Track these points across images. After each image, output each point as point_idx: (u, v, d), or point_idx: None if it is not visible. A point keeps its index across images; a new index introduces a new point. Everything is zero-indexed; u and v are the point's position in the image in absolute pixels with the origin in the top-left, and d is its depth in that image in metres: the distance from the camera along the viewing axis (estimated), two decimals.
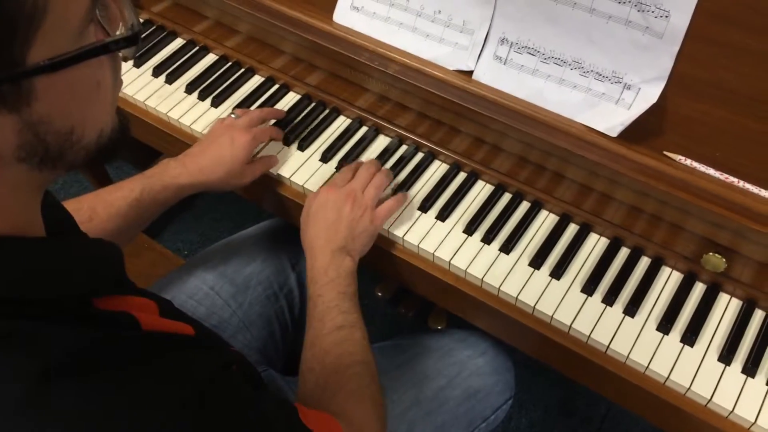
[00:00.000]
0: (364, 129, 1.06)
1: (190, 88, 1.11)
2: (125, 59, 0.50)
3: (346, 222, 0.87)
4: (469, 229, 0.93)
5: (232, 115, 1.00)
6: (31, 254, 0.47)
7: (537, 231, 0.94)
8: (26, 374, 0.42)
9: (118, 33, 0.46)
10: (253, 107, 1.09)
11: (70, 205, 0.70)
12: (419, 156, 1.02)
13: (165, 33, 1.20)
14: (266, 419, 0.55)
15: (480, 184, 0.99)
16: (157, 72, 1.14)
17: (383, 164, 1.01)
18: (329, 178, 1.00)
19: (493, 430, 1.00)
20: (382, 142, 1.04)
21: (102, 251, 0.55)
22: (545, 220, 0.95)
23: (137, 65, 1.15)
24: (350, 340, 0.78)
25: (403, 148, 1.04)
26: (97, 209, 0.83)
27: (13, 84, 0.39)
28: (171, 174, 0.89)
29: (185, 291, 0.99)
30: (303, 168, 1.01)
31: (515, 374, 1.03)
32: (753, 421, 0.76)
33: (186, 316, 0.62)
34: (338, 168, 1.01)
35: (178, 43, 1.19)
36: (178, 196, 0.91)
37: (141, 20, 1.16)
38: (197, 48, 1.18)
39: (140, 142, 1.18)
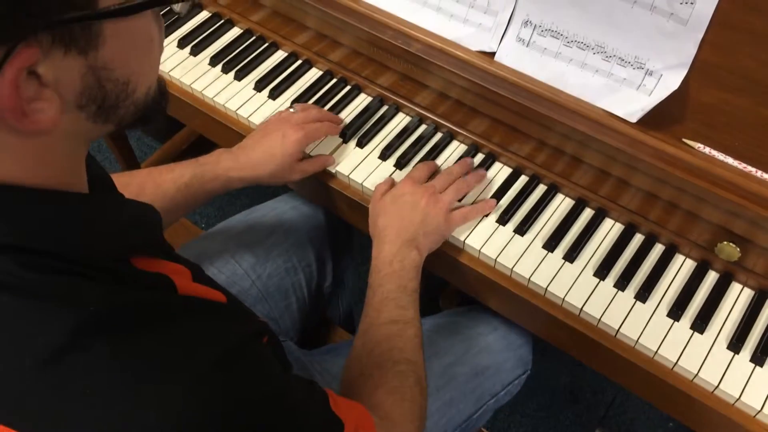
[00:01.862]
0: (384, 107, 1.07)
1: (214, 61, 1.13)
2: (180, 14, 0.54)
3: (420, 215, 0.87)
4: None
5: (291, 109, 0.99)
6: (71, 209, 0.49)
7: (552, 214, 0.94)
8: (59, 328, 0.44)
9: None
10: (275, 82, 1.10)
11: (121, 179, 0.71)
12: (438, 136, 1.03)
13: (191, 5, 1.21)
14: (295, 399, 0.55)
15: (497, 166, 1.00)
16: (182, 44, 1.15)
17: (401, 143, 1.01)
18: (349, 154, 1.01)
19: (505, 404, 1.01)
20: (401, 120, 1.05)
21: (141, 212, 0.57)
22: (561, 204, 0.95)
23: (164, 37, 1.17)
24: (402, 336, 0.78)
25: (423, 127, 1.04)
26: (145, 187, 0.85)
27: (84, 27, 0.42)
28: (223, 165, 0.90)
29: (207, 258, 1.01)
30: (322, 145, 1.02)
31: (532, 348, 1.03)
32: (759, 408, 0.77)
33: (216, 283, 0.63)
34: (359, 145, 1.02)
35: (203, 15, 1.20)
36: (226, 187, 0.91)
37: None
38: (222, 21, 1.19)
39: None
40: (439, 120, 1.03)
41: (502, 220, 0.93)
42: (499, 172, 0.99)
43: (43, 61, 0.41)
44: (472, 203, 0.94)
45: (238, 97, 1.08)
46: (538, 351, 1.54)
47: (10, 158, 0.45)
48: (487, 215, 0.94)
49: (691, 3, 0.77)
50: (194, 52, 1.14)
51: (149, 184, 0.86)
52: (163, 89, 0.55)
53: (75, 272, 0.46)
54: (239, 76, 1.11)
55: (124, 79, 0.47)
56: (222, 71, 1.12)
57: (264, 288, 1.01)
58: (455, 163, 0.97)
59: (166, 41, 1.16)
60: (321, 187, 1.01)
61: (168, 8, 0.52)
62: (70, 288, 0.46)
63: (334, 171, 0.99)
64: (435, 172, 0.96)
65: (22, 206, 0.46)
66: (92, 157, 0.57)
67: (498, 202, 0.95)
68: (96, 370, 0.44)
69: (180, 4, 0.53)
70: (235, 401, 0.47)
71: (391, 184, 0.93)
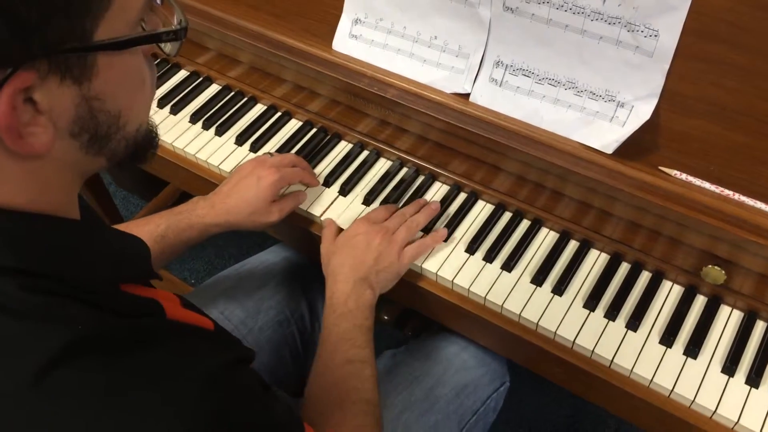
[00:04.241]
0: (365, 153, 1.08)
1: (194, 118, 1.14)
2: (168, 56, 0.57)
3: (374, 254, 0.87)
4: (471, 248, 0.95)
5: (268, 154, 1.00)
6: (67, 234, 0.51)
7: (538, 248, 0.95)
8: (49, 346, 0.45)
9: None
10: (256, 135, 1.11)
11: None
12: (420, 179, 1.04)
13: (169, 66, 1.23)
14: (275, 417, 0.56)
15: (480, 203, 1.01)
16: (162, 103, 1.17)
17: (384, 188, 1.02)
18: (332, 202, 1.01)
19: (486, 419, 1.00)
20: (383, 165, 1.06)
21: (131, 243, 0.59)
22: (546, 238, 0.96)
23: None
24: (360, 376, 0.78)
25: (404, 170, 1.05)
26: None
27: (80, 57, 0.45)
28: (198, 213, 0.91)
29: None
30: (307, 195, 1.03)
31: (507, 362, 1.03)
32: (758, 431, 0.76)
33: (204, 312, 0.64)
34: (341, 193, 1.03)
35: (182, 74, 1.22)
36: (203, 235, 0.91)
37: None
38: (201, 79, 1.21)
39: (148, 175, 1.20)
40: (420, 162, 1.04)
41: (489, 257, 0.94)
42: (483, 210, 1.00)
43: (40, 87, 0.44)
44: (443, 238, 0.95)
45: (220, 153, 1.09)
46: (537, 386, 1.54)
47: (9, 183, 0.48)
48: (473, 253, 0.94)
49: (655, 36, 0.79)
50: (174, 110, 1.15)
51: None
52: (153, 130, 0.58)
53: (68, 294, 0.48)
54: (220, 132, 1.12)
55: (115, 112, 0.50)
56: (203, 128, 1.13)
57: (256, 342, 1.00)
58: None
59: None
60: (306, 235, 1.02)
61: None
62: (61, 308, 0.47)
63: (319, 218, 1.00)
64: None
65: (20, 230, 0.48)
66: (81, 197, 0.59)
67: (454, 232, 0.97)
68: (84, 388, 0.45)
69: (170, 46, 0.55)
70: (220, 423, 0.48)
71: (338, 229, 0.94)
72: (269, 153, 1.02)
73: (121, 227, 0.88)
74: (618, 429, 1.51)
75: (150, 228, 0.88)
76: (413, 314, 1.40)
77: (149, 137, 0.56)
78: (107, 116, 0.49)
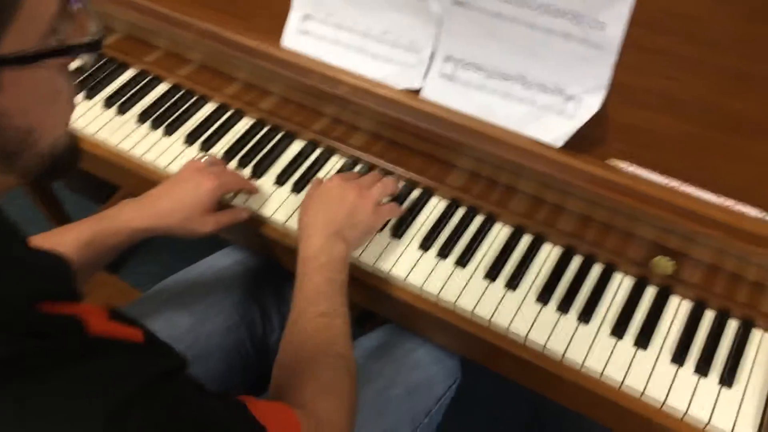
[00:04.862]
0: (318, 151, 1.07)
1: (142, 118, 1.11)
2: (85, 67, 0.53)
3: (348, 208, 0.87)
4: (425, 246, 0.94)
5: (204, 159, 0.98)
6: None
7: (492, 244, 0.95)
8: None
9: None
10: (206, 134, 1.09)
11: None
12: None
13: (116, 65, 1.20)
14: (213, 421, 0.54)
15: (434, 200, 1.00)
16: (108, 103, 1.14)
17: None
18: (283, 201, 1.00)
19: (438, 416, 1.00)
20: (336, 163, 1.05)
21: (47, 260, 0.54)
22: (499, 233, 0.96)
23: (89, 97, 1.15)
24: (332, 328, 0.78)
25: (358, 168, 1.04)
26: None
27: None
28: (124, 218, 0.87)
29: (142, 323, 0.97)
30: (258, 195, 1.01)
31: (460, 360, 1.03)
32: (707, 420, 0.77)
33: (138, 322, 0.61)
34: (294, 191, 1.01)
35: (129, 73, 1.19)
36: (131, 240, 0.88)
37: None
38: (149, 78, 1.18)
39: (92, 175, 1.17)
40: (373, 160, 1.03)
41: (443, 254, 0.93)
42: (436, 207, 0.99)
43: None
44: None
45: (168, 153, 1.06)
46: (499, 383, 1.54)
47: None
48: (427, 251, 0.93)
49: (601, 28, 0.80)
50: (121, 110, 1.12)
51: (46, 246, 0.82)
52: (74, 145, 0.55)
53: None
54: (169, 131, 1.09)
55: (26, 128, 0.47)
56: (151, 128, 1.10)
57: (205, 349, 0.97)
58: None
59: (92, 102, 1.14)
60: (256, 235, 1.00)
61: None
62: None
63: (271, 219, 0.98)
64: None
65: None
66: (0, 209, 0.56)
67: (408, 230, 0.96)
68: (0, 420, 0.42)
69: (85, 57, 0.52)
70: None
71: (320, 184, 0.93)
72: (206, 155, 1.00)
73: (42, 237, 0.84)
74: (579, 418, 1.52)
75: (74, 236, 0.84)
76: (373, 313, 1.39)
77: (69, 150, 0.53)
78: (16, 132, 0.46)
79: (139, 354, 0.53)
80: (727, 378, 0.80)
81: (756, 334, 0.84)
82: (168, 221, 0.88)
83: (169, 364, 0.54)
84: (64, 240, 0.84)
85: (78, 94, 1.14)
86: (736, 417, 0.77)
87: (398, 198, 0.99)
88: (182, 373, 0.57)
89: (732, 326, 0.85)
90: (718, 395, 0.79)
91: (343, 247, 0.85)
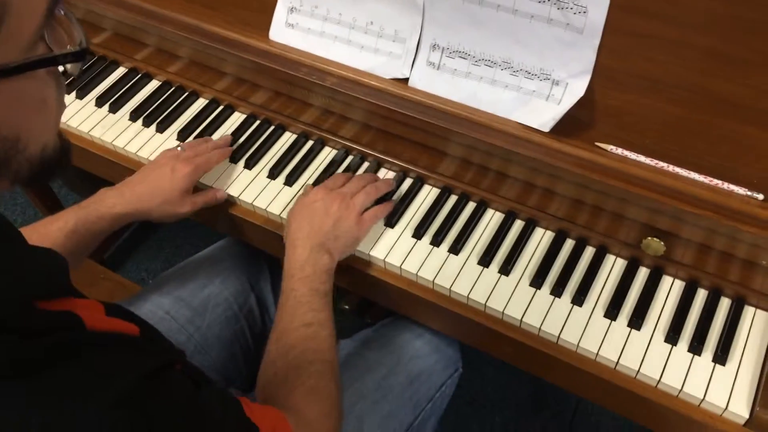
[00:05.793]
0: (310, 143, 1.07)
1: (134, 116, 1.12)
2: (70, 75, 0.53)
3: (331, 219, 0.88)
4: (418, 233, 0.95)
5: (179, 148, 1.00)
6: None
7: (484, 230, 0.95)
8: None
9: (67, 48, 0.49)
10: (198, 129, 1.09)
11: None
12: (365, 166, 1.04)
13: (107, 63, 1.21)
14: (206, 417, 0.55)
15: (426, 188, 1.00)
16: (100, 102, 1.14)
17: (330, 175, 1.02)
18: (277, 194, 1.00)
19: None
20: (328, 154, 1.05)
21: (44, 259, 0.55)
22: (491, 219, 0.96)
23: (80, 96, 1.16)
24: (317, 338, 0.79)
25: (349, 158, 1.05)
26: (31, 241, 0.83)
27: None
28: (107, 204, 0.90)
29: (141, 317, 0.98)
30: (251, 186, 1.02)
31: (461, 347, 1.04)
32: (702, 397, 0.78)
33: (135, 316, 0.62)
34: (286, 183, 1.02)
35: (120, 72, 1.20)
36: (115, 225, 0.91)
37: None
38: (139, 76, 1.18)
39: (91, 173, 1.18)
40: (364, 150, 1.03)
41: (436, 241, 0.94)
42: (429, 194, 1.00)
43: None
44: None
45: (162, 149, 1.07)
46: (499, 366, 1.55)
47: None
48: (420, 238, 0.94)
49: (584, 12, 0.80)
50: (113, 109, 1.13)
51: (34, 237, 0.84)
52: (65, 146, 0.55)
53: None
54: (161, 128, 1.10)
55: (13, 137, 0.47)
56: (143, 125, 1.11)
57: (203, 340, 0.99)
58: None
59: (84, 101, 1.15)
60: (254, 228, 1.01)
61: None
62: None
63: (264, 210, 0.99)
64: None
65: None
66: None
67: (401, 218, 0.97)
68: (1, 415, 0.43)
69: (71, 66, 0.52)
70: None
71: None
72: (179, 146, 1.02)
73: (29, 228, 0.86)
74: (579, 402, 1.54)
75: (59, 225, 0.86)
76: (373, 302, 1.41)
77: (60, 153, 0.53)
78: (3, 141, 0.46)
79: (135, 349, 0.54)
80: (721, 356, 0.81)
81: (749, 312, 0.85)
82: (148, 205, 0.91)
83: (164, 358, 0.55)
84: (51, 229, 0.86)
85: (69, 93, 1.14)
86: (731, 394, 0.78)
87: (390, 191, 0.99)
88: (179, 366, 0.58)
89: (724, 304, 0.86)
90: (712, 373, 0.80)
91: (328, 259, 0.86)
